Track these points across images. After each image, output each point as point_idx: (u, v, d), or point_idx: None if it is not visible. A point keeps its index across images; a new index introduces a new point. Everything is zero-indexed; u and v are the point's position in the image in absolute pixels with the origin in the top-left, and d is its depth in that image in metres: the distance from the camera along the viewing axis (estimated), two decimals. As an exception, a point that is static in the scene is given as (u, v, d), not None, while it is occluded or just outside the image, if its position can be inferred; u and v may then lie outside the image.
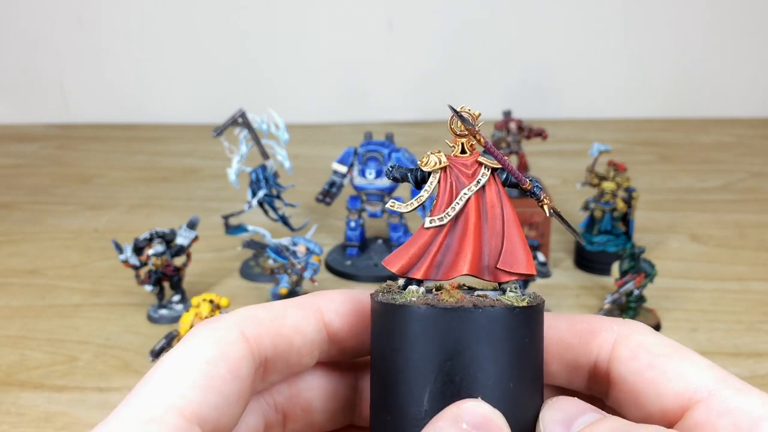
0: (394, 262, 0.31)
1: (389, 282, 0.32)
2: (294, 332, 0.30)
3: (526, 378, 0.28)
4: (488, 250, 0.31)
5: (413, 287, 0.31)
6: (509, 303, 0.29)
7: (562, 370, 0.31)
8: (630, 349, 0.29)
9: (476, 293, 0.31)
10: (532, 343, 0.29)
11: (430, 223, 0.31)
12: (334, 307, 0.31)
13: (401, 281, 0.31)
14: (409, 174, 0.32)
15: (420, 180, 0.32)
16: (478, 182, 0.31)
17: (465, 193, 0.31)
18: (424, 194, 0.32)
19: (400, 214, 1.06)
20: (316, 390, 0.33)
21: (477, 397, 0.27)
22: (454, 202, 0.31)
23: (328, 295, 0.32)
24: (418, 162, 0.32)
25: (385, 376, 0.29)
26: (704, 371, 0.27)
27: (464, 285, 0.32)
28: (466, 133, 0.32)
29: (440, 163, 0.31)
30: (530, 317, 0.29)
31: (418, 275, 0.31)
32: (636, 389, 0.28)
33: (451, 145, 0.32)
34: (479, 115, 0.32)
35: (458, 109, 0.31)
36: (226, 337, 0.28)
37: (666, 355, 0.28)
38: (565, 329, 0.31)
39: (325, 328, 0.31)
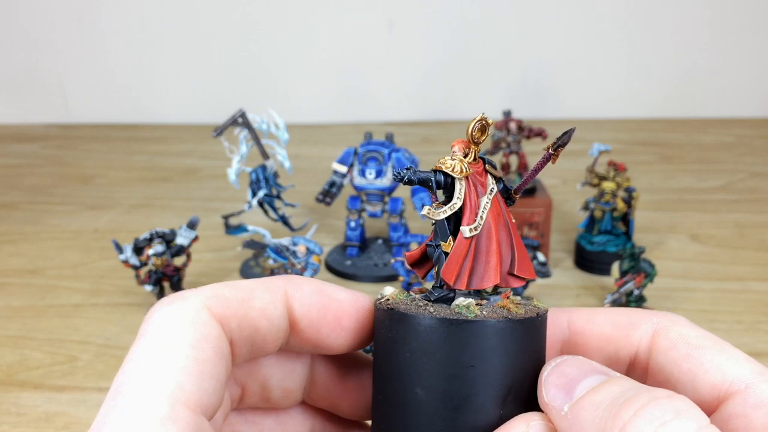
0: (454, 277, 0.31)
1: (393, 293, 0.32)
2: (261, 316, 0.29)
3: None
4: (504, 257, 0.32)
5: (465, 300, 0.30)
6: (542, 308, 0.30)
7: (602, 362, 0.31)
8: (669, 339, 0.29)
9: (491, 300, 0.31)
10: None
11: (470, 232, 0.31)
12: (300, 296, 0.30)
13: (387, 291, 0.31)
14: (431, 179, 0.31)
15: (437, 185, 0.32)
16: (491, 191, 0.32)
17: (486, 202, 0.31)
18: (457, 202, 0.31)
19: (401, 214, 1.06)
20: (273, 367, 0.32)
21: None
22: (480, 211, 0.31)
23: (295, 281, 0.30)
24: (444, 167, 0.31)
25: (451, 394, 0.28)
26: (742, 364, 0.27)
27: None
28: (481, 141, 0.32)
29: (467, 171, 0.31)
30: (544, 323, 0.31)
31: (462, 286, 0.31)
32: (673, 379, 0.28)
33: (462, 151, 0.32)
34: (491, 123, 0.32)
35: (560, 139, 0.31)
36: (199, 317, 0.27)
37: (704, 347, 0.28)
38: (605, 322, 0.31)
39: (288, 316, 0.30)
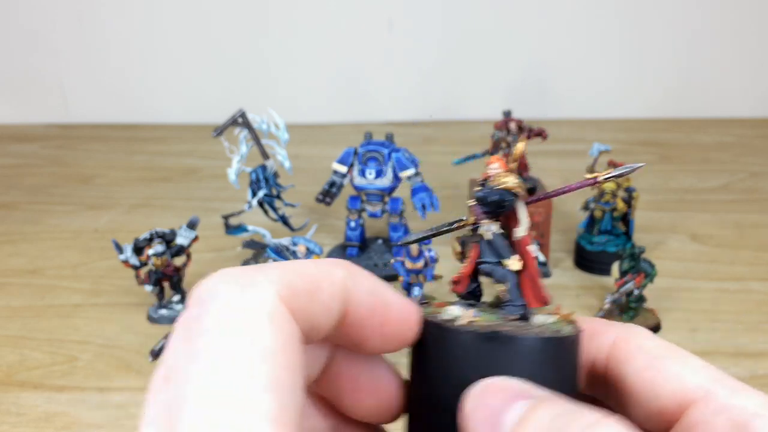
0: (547, 297, 0.31)
1: (469, 313, 0.30)
2: (322, 312, 0.26)
3: None
4: None
5: (548, 316, 0.30)
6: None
7: None
8: (628, 351, 0.29)
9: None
10: None
11: (534, 252, 0.31)
12: (357, 295, 0.27)
13: (456, 311, 0.29)
14: (506, 199, 0.31)
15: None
16: None
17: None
18: (527, 220, 0.31)
19: (401, 214, 1.06)
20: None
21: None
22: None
23: (357, 276, 0.28)
24: (510, 186, 0.30)
25: None
26: (699, 371, 0.27)
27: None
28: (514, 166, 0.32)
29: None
30: None
31: (543, 303, 0.31)
32: (634, 390, 0.28)
33: (503, 168, 0.31)
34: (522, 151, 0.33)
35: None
36: (279, 314, 0.23)
37: (664, 356, 0.28)
38: None
39: (343, 313, 0.27)
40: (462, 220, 0.33)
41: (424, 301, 0.32)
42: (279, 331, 0.22)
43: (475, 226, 0.31)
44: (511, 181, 0.31)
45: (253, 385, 0.21)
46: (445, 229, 0.33)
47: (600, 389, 0.30)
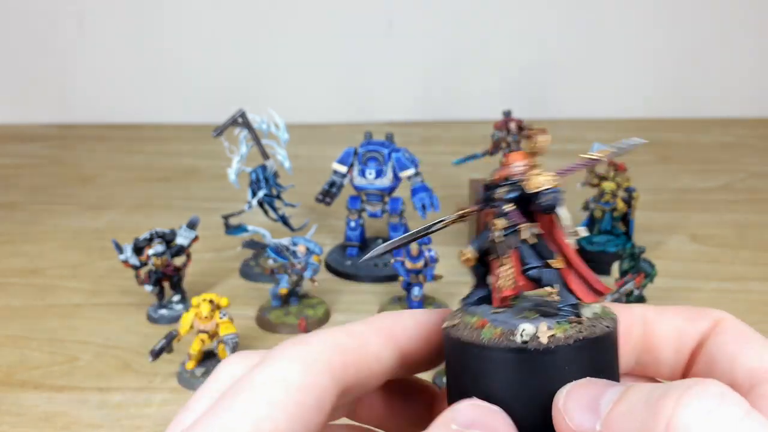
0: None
1: (545, 327, 0.29)
2: (374, 361, 0.30)
3: None
4: None
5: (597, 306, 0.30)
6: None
7: (671, 355, 0.32)
8: (722, 329, 0.31)
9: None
10: None
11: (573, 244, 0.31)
12: (407, 335, 0.31)
13: (531, 329, 0.28)
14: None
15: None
16: None
17: None
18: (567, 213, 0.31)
19: (401, 214, 1.06)
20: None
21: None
22: None
23: (400, 321, 0.31)
24: (555, 183, 0.30)
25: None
26: None
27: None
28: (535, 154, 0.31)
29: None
30: None
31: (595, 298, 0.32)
32: (715, 361, 0.30)
33: (531, 163, 0.31)
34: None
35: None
36: (316, 366, 0.27)
37: (751, 337, 0.30)
38: (675, 316, 0.33)
39: (399, 355, 0.31)
40: (443, 220, 0.32)
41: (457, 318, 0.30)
42: (306, 374, 0.27)
43: (510, 230, 0.30)
44: (548, 177, 0.30)
45: (258, 401, 0.26)
46: (423, 231, 0.32)
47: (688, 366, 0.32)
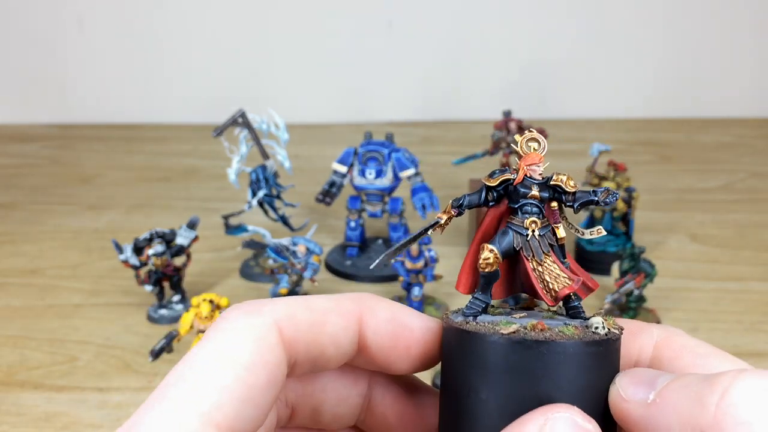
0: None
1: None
2: (330, 341, 0.28)
3: None
4: None
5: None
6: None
7: None
8: (673, 350, 0.30)
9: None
10: None
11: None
12: (374, 325, 0.30)
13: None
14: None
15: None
16: None
17: None
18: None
19: (401, 214, 1.06)
20: (328, 393, 0.32)
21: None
22: None
23: (372, 307, 0.30)
24: (572, 183, 0.30)
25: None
26: (742, 367, 0.28)
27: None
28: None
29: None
30: None
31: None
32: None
33: (513, 168, 0.31)
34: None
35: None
36: (267, 339, 0.26)
37: (707, 354, 0.29)
38: None
39: (358, 342, 0.30)
40: (438, 222, 0.31)
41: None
42: (257, 352, 0.26)
43: (546, 230, 0.30)
44: (572, 179, 0.30)
45: (205, 386, 0.24)
46: (419, 234, 0.32)
47: None
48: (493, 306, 0.31)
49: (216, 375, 0.25)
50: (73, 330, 0.91)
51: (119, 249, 0.91)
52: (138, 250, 0.92)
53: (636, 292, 0.89)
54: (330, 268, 1.07)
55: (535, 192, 0.30)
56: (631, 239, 1.06)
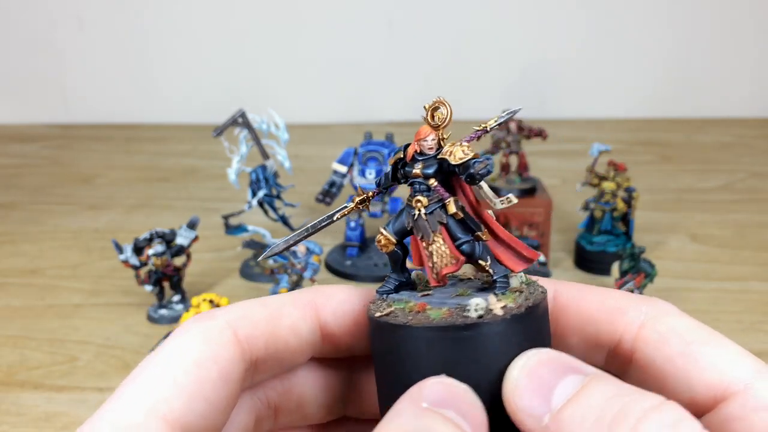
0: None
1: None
2: (289, 333, 0.29)
3: None
4: None
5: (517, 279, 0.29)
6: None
7: (580, 343, 0.29)
8: (660, 333, 0.27)
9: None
10: None
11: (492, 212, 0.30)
12: (331, 307, 0.30)
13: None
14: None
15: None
16: None
17: None
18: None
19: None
20: (309, 385, 0.32)
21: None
22: None
23: (326, 292, 0.30)
24: (474, 154, 0.29)
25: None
26: (739, 361, 0.26)
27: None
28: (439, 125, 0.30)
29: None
30: None
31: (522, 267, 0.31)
32: (664, 375, 0.27)
33: (444, 137, 0.30)
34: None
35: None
36: (218, 338, 0.27)
37: (698, 341, 0.26)
38: (592, 302, 0.29)
39: (320, 329, 0.30)
40: (345, 207, 0.31)
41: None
42: (207, 349, 0.26)
43: (436, 206, 0.29)
44: (466, 148, 0.29)
45: (151, 382, 0.25)
46: (326, 222, 0.31)
47: (622, 367, 0.29)
48: (422, 282, 0.31)
49: (164, 372, 0.25)
50: (73, 330, 0.91)
51: (119, 249, 0.91)
52: (138, 250, 0.92)
53: (636, 292, 0.89)
54: (330, 268, 1.07)
55: (417, 170, 0.29)
56: (631, 239, 1.06)
